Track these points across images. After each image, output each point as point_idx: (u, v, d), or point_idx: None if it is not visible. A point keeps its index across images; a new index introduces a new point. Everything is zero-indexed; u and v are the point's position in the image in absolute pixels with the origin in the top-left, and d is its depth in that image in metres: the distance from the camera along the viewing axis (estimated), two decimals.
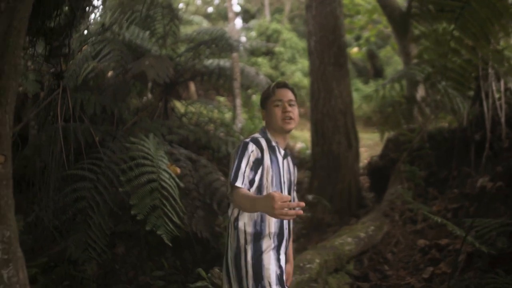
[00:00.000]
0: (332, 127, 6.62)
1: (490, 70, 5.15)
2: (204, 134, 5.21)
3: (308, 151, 8.50)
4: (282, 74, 15.78)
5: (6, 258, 2.04)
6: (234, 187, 1.96)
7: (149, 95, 6.56)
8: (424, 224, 4.80)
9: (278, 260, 2.07)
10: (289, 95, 2.18)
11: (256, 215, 2.05)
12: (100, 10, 5.29)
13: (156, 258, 4.12)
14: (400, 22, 7.84)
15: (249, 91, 10.98)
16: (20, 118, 4.43)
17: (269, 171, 2.07)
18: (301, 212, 1.65)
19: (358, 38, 15.50)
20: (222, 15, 19.88)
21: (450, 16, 4.64)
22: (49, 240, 3.84)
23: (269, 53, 16.73)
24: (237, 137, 6.15)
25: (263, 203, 1.70)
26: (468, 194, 4.80)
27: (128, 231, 4.15)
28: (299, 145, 10.36)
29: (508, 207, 4.11)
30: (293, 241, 2.38)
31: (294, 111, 2.16)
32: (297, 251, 4.29)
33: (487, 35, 4.48)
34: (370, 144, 10.36)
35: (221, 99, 12.83)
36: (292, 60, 16.55)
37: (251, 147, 2.04)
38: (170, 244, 3.29)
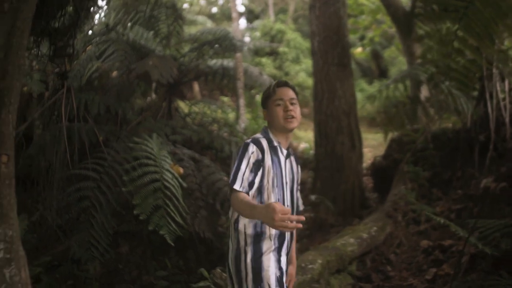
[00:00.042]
0: (336, 128, 6.60)
1: (495, 70, 5.12)
2: (208, 134, 5.22)
3: (312, 152, 8.50)
4: (286, 74, 15.77)
5: (8, 257, 2.04)
6: (232, 190, 1.95)
7: (153, 95, 6.57)
8: (427, 225, 4.78)
9: (279, 262, 2.06)
10: (290, 93, 2.15)
11: None
12: (104, 10, 5.31)
13: (159, 257, 4.13)
14: (404, 22, 7.81)
15: (253, 91, 10.99)
16: (25, 117, 4.46)
17: (270, 172, 2.05)
18: (300, 225, 1.66)
19: (362, 38, 15.47)
20: (226, 15, 19.89)
21: (454, 16, 4.62)
22: (53, 239, 3.86)
23: (273, 53, 16.73)
24: (240, 137, 6.15)
25: (263, 213, 1.69)
26: (472, 195, 4.78)
27: (131, 230, 4.16)
28: (302, 146, 10.35)
29: None
30: (296, 241, 2.36)
31: (296, 110, 2.13)
32: (300, 251, 4.29)
33: (492, 35, 4.44)
34: (374, 145, 10.34)
35: (225, 99, 12.85)
36: (296, 61, 16.54)
37: (252, 148, 2.02)
38: (173, 244, 3.30)
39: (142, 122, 4.83)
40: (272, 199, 2.06)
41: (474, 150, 5.18)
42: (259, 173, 2.02)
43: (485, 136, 5.14)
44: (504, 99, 5.12)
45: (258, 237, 2.03)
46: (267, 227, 2.04)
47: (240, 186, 1.94)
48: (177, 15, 5.67)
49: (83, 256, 3.45)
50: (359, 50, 15.36)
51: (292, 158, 2.24)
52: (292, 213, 2.18)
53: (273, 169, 2.07)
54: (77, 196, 3.59)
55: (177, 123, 5.30)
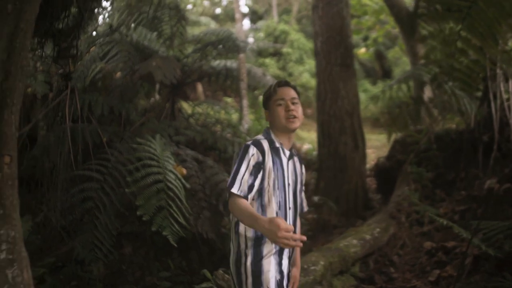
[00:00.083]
0: (339, 128, 6.60)
1: (498, 71, 5.10)
2: (211, 135, 5.23)
3: (315, 152, 8.48)
4: (290, 75, 15.76)
5: (10, 258, 2.05)
6: (230, 193, 1.93)
7: (157, 96, 6.60)
8: (430, 226, 4.76)
9: (280, 265, 2.03)
10: (291, 93, 2.12)
11: None
12: (108, 11, 5.34)
13: (162, 258, 4.13)
14: (407, 22, 7.81)
15: (256, 92, 10.97)
16: (29, 118, 4.48)
17: (270, 174, 2.02)
18: (301, 244, 1.68)
19: (366, 38, 15.45)
20: (230, 16, 19.90)
21: (457, 15, 4.60)
22: (57, 240, 3.87)
23: (276, 54, 16.73)
24: (243, 138, 6.15)
25: (266, 227, 1.69)
26: (476, 196, 4.76)
27: (134, 231, 4.17)
28: (306, 146, 10.34)
29: None
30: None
31: (298, 109, 2.10)
32: (302, 252, 4.23)
33: (495, 35, 4.42)
34: (377, 146, 10.31)
35: (228, 100, 12.86)
36: (300, 61, 16.53)
37: (252, 150, 1.99)
38: (176, 245, 3.30)
39: (145, 123, 4.85)
40: (273, 201, 2.03)
41: (477, 151, 5.16)
42: (259, 176, 1.99)
43: (488, 137, 5.12)
44: (508, 99, 5.09)
45: (259, 240, 2.01)
46: None
47: (238, 190, 1.92)
48: (180, 16, 5.69)
49: (87, 257, 3.46)
50: (362, 50, 15.34)
51: (296, 158, 2.21)
52: (295, 215, 2.16)
53: (274, 171, 2.04)
54: (81, 197, 3.60)
55: (180, 124, 5.31)
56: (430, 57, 5.52)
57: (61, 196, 3.78)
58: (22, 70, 2.25)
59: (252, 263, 1.99)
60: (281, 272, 2.03)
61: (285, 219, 2.07)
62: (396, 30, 11.87)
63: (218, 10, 22.50)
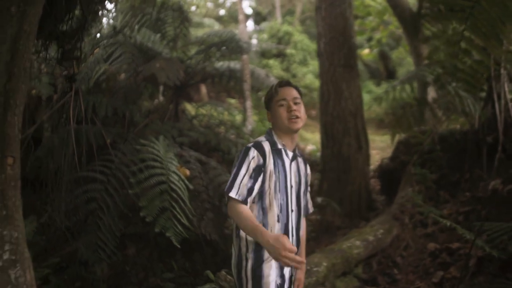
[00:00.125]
0: (342, 129, 6.59)
1: (502, 71, 5.07)
2: (214, 136, 5.23)
3: (319, 154, 8.47)
4: (294, 76, 15.75)
5: (13, 259, 2.06)
6: (228, 197, 1.92)
7: (160, 98, 6.61)
8: (434, 227, 4.74)
9: (281, 269, 2.01)
10: (293, 93, 2.09)
11: None
12: (111, 13, 5.36)
13: (166, 260, 4.14)
14: (411, 22, 7.79)
15: (260, 93, 10.98)
16: (33, 120, 4.51)
17: (272, 177, 2.00)
18: (300, 267, 1.76)
19: (369, 39, 15.43)
20: (234, 17, 19.92)
21: (461, 16, 4.58)
22: (61, 241, 3.89)
23: (280, 55, 16.73)
24: (247, 139, 6.15)
25: (271, 242, 1.68)
26: (480, 197, 4.73)
27: (138, 232, 4.18)
28: (309, 147, 10.32)
29: None
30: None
31: (300, 110, 2.06)
32: (306, 254, 4.27)
33: (499, 35, 4.40)
34: (381, 147, 10.28)
35: (232, 101, 12.87)
36: (304, 62, 16.53)
37: (252, 153, 1.97)
38: (179, 246, 3.30)
39: (149, 124, 4.86)
40: (274, 204, 2.01)
41: (482, 152, 5.13)
42: (260, 179, 1.97)
43: (493, 138, 5.09)
44: None
45: (260, 245, 1.94)
46: None
47: (236, 194, 1.90)
48: (183, 18, 5.72)
49: (91, 258, 3.47)
50: (366, 51, 15.33)
51: (300, 160, 2.18)
52: (298, 217, 2.13)
53: (275, 173, 2.01)
54: (85, 198, 3.62)
55: (184, 125, 5.33)
56: (434, 57, 5.50)
57: (65, 197, 3.80)
58: (25, 71, 2.26)
59: (253, 267, 1.98)
60: (282, 276, 2.02)
61: (287, 221, 2.05)
62: (399, 31, 11.85)
63: (221, 12, 22.56)
